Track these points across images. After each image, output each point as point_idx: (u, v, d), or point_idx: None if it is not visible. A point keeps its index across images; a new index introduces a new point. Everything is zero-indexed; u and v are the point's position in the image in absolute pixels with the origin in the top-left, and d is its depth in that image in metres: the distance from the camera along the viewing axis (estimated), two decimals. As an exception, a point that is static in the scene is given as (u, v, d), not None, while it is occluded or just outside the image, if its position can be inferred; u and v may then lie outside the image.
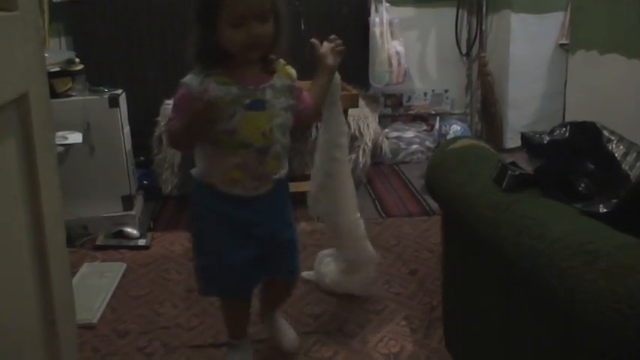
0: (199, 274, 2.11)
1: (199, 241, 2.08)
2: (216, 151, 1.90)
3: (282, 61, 1.98)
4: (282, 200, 2.08)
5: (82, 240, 3.34)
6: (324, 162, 2.39)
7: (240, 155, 1.88)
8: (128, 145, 3.54)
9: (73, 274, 2.85)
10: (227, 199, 1.96)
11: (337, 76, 2.18)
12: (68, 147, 3.09)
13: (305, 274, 2.78)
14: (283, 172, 2.02)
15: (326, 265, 2.74)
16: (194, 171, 2.02)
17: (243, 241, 1.99)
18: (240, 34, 1.78)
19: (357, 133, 3.94)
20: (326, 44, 2.07)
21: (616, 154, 1.48)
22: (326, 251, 2.80)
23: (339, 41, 2.08)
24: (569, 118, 2.58)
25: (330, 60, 2.08)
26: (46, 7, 3.90)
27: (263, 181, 1.96)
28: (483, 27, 4.65)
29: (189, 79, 1.87)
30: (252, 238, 2.00)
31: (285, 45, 1.92)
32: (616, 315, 1.05)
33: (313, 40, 2.08)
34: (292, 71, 2.00)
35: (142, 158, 4.02)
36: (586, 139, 1.52)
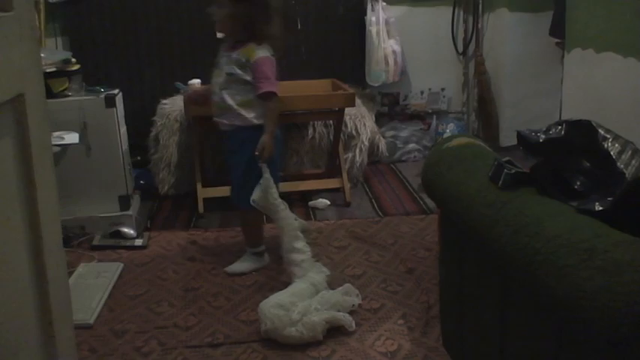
0: None
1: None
2: None
3: (253, 44, 2.63)
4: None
5: (79, 240, 3.34)
6: None
7: None
8: (125, 145, 3.54)
9: (70, 274, 2.85)
10: None
11: None
12: (65, 147, 3.09)
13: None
14: (226, 121, 2.73)
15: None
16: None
17: None
18: None
19: (353, 132, 3.94)
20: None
21: (611, 153, 1.48)
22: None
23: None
24: (565, 117, 2.58)
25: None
26: (42, 7, 3.89)
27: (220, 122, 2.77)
28: (479, 26, 4.65)
29: None
30: None
31: (264, 32, 2.59)
32: (612, 312, 1.05)
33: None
34: (253, 54, 2.62)
35: (138, 158, 4.02)
36: (582, 137, 1.52)
